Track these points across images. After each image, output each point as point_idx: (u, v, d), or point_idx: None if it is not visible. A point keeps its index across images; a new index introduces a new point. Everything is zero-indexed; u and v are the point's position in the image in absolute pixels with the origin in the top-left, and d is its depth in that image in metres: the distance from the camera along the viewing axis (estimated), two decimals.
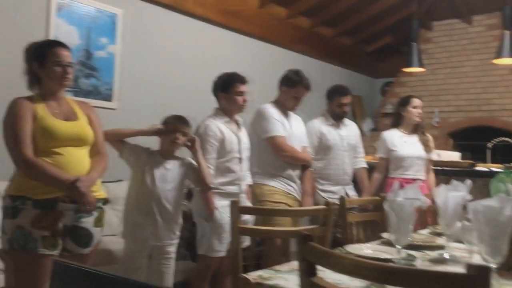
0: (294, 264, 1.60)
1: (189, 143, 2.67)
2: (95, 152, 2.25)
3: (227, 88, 2.93)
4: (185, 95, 4.23)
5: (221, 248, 2.84)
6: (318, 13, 5.51)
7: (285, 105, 3.30)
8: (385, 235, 2.24)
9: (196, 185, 2.81)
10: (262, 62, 4.97)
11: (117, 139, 2.56)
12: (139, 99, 3.97)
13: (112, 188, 3.57)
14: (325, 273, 1.22)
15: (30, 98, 2.15)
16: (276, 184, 3.20)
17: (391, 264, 1.61)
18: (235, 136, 2.96)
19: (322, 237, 2.06)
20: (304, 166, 3.33)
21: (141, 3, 3.95)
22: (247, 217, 2.83)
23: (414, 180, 3.52)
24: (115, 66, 3.80)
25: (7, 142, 2.08)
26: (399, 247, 1.67)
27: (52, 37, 3.27)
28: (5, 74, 2.93)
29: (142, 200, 2.56)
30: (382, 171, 3.73)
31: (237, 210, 1.97)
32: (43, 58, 2.14)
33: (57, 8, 3.41)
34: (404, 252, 1.78)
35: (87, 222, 2.18)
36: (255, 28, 4.95)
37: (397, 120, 3.79)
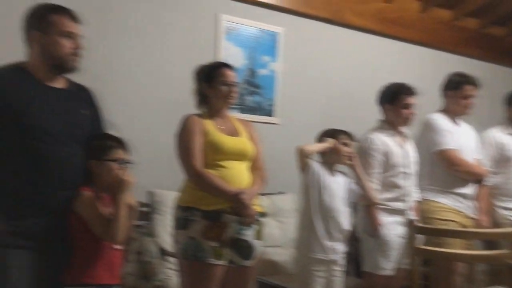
0: None
1: (350, 158, 2.63)
2: (254, 167, 2.33)
3: (393, 99, 2.81)
4: (346, 108, 4.18)
5: (388, 266, 2.72)
6: (487, 13, 5.03)
7: (454, 112, 3.07)
8: None
9: (360, 201, 2.75)
10: (425, 68, 4.70)
11: (309, 155, 2.57)
12: (300, 114, 4.04)
13: (274, 200, 3.68)
14: None
15: (199, 115, 2.31)
16: (445, 200, 2.97)
17: None
18: (401, 149, 2.83)
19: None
20: (479, 180, 3.03)
21: (300, 19, 4.04)
22: None
23: None
24: (277, 82, 3.93)
25: (180, 154, 2.24)
26: None
27: (221, 59, 3.51)
28: (178, 94, 3.20)
29: (317, 213, 2.55)
30: None
31: (413, 229, 1.85)
32: (211, 79, 2.30)
33: (225, 32, 3.67)
34: None
35: (248, 234, 2.23)
36: (416, 33, 4.72)
37: None
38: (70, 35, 1.82)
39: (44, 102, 1.80)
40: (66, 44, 1.81)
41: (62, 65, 1.83)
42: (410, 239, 1.86)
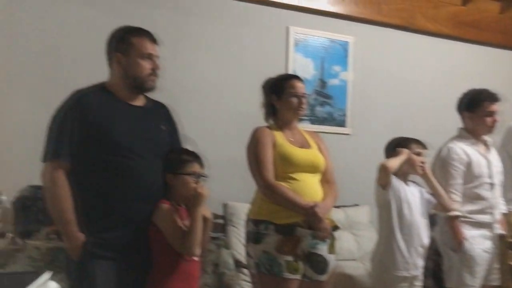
0: None
1: (423, 168, 2.52)
2: (325, 180, 2.28)
3: (474, 107, 2.67)
4: (421, 117, 4.05)
5: (474, 283, 2.57)
6: None
7: None
8: None
9: (437, 210, 2.63)
10: (507, 72, 4.45)
11: (392, 171, 2.46)
12: (372, 123, 3.95)
13: (348, 212, 3.61)
14: None
15: (269, 127, 2.31)
16: None
17: None
18: (484, 158, 2.68)
19: None
20: None
21: (371, 27, 3.98)
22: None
23: None
24: (348, 92, 3.88)
25: (251, 166, 2.23)
26: None
27: (290, 70, 3.53)
28: (249, 107, 3.22)
29: (398, 228, 2.46)
30: None
31: (505, 245, 1.73)
32: (280, 91, 2.29)
33: (294, 44, 3.68)
34: None
35: (322, 249, 2.18)
36: (496, 35, 4.49)
37: None
38: (149, 57, 1.90)
39: (127, 120, 1.89)
40: (146, 66, 1.89)
41: (142, 85, 1.92)
42: (502, 255, 1.73)
